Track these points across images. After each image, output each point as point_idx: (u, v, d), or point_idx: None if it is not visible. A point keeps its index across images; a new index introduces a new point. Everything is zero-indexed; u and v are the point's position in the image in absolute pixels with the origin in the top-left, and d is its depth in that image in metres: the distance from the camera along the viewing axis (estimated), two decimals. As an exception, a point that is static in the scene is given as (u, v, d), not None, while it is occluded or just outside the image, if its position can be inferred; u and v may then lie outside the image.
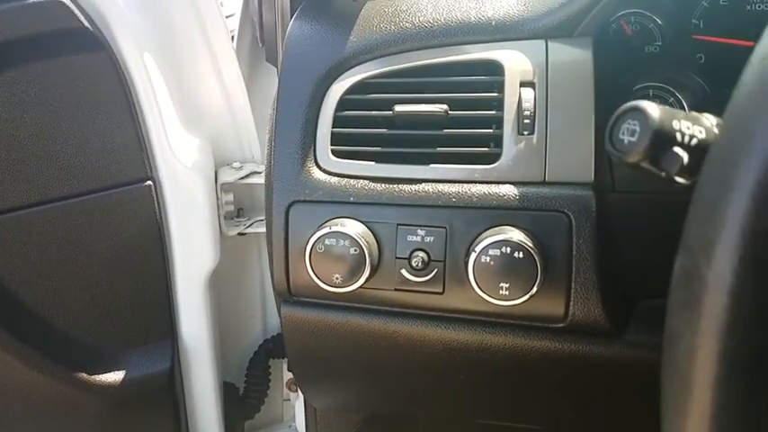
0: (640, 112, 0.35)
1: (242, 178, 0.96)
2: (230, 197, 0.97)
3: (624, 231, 0.56)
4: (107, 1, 0.78)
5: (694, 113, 0.38)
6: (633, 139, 0.35)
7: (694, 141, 0.35)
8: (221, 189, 0.95)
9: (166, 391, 0.92)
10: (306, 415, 1.03)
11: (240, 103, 0.97)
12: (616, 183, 0.57)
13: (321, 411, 0.96)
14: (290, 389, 1.12)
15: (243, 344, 1.10)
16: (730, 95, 0.63)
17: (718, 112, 0.59)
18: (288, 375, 1.11)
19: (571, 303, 0.54)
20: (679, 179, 0.35)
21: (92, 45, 0.78)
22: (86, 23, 0.77)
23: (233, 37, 1.05)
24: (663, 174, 0.35)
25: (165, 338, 0.91)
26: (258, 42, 1.04)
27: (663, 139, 0.34)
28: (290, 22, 0.66)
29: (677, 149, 0.34)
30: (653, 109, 0.35)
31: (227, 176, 0.96)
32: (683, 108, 0.60)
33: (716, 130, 0.36)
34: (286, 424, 1.16)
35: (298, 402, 1.07)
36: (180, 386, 0.94)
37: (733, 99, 0.29)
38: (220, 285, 1.00)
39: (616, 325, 0.55)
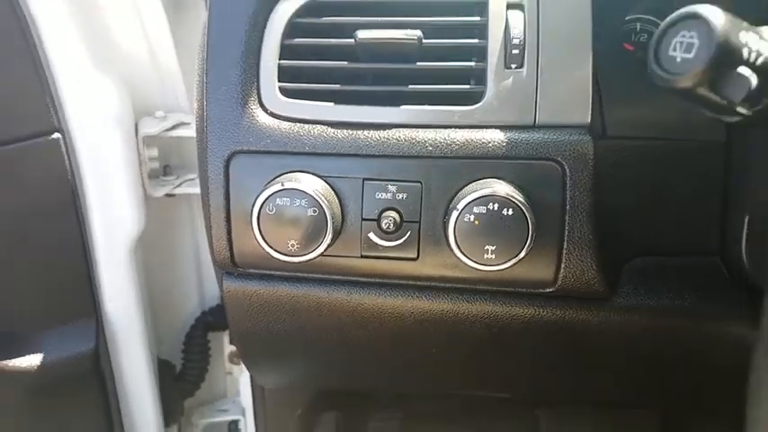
0: (701, 20, 0.27)
1: (167, 130, 0.87)
2: (154, 152, 0.88)
3: (616, 181, 0.50)
4: None
5: (751, 26, 0.30)
6: (689, 56, 0.27)
7: (760, 60, 0.27)
8: (143, 143, 0.85)
9: (92, 374, 0.85)
10: (252, 390, 0.96)
11: (162, 42, 0.86)
12: (607, 127, 0.50)
13: (269, 386, 0.89)
14: (232, 362, 1.05)
15: (178, 317, 1.02)
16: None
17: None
18: (229, 348, 1.04)
19: (562, 265, 0.48)
20: (741, 109, 0.28)
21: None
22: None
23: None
24: (723, 102, 0.28)
25: (87, 316, 0.83)
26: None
27: (728, 55, 0.26)
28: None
29: (743, 70, 0.27)
30: (716, 16, 0.27)
31: (150, 128, 0.85)
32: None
33: None
34: (230, 399, 1.09)
35: (242, 377, 1.00)
36: (108, 367, 0.87)
37: None
38: (148, 253, 0.92)
39: (609, 287, 0.49)
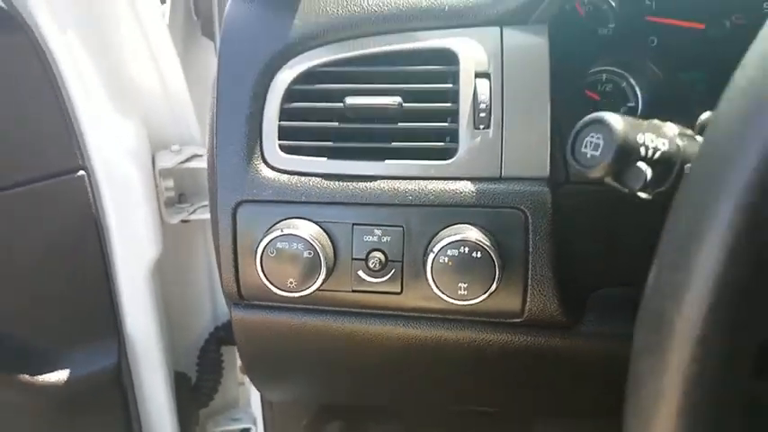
0: (604, 125, 0.33)
1: (182, 162, 0.93)
2: (170, 183, 0.94)
3: (578, 222, 0.56)
4: (21, -23, 0.71)
5: (656, 122, 0.37)
6: (596, 153, 0.34)
7: (657, 155, 0.34)
8: (160, 175, 0.92)
9: (115, 387, 0.91)
10: (262, 401, 1.02)
11: (175, 82, 0.93)
12: (570, 174, 0.57)
13: (277, 398, 0.95)
14: (244, 373, 1.11)
15: (193, 332, 1.08)
16: (682, 80, 0.63)
17: (671, 102, 0.60)
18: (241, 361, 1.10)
19: (528, 299, 0.54)
20: (642, 194, 0.34)
21: (8, 26, 0.72)
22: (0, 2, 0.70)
23: (165, 7, 0.99)
24: (626, 190, 0.34)
25: (110, 333, 0.89)
26: (193, 15, 0.99)
27: (627, 153, 0.33)
28: (228, 1, 0.61)
29: (641, 165, 0.33)
30: (617, 121, 0.34)
31: (166, 161, 0.92)
32: (635, 92, 0.60)
33: (678, 141, 0.35)
34: (242, 409, 1.15)
35: (253, 388, 1.06)
36: (129, 380, 0.93)
37: (704, 144, 0.27)
38: (166, 274, 0.98)
39: (571, 318, 0.55)
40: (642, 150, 0.34)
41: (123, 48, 0.88)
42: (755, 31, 0.54)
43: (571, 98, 0.58)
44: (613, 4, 0.61)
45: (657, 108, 0.59)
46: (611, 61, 0.61)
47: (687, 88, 0.61)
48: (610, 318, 0.57)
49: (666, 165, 0.34)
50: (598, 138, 0.34)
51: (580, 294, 0.58)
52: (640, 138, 0.34)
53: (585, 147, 0.35)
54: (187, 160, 0.94)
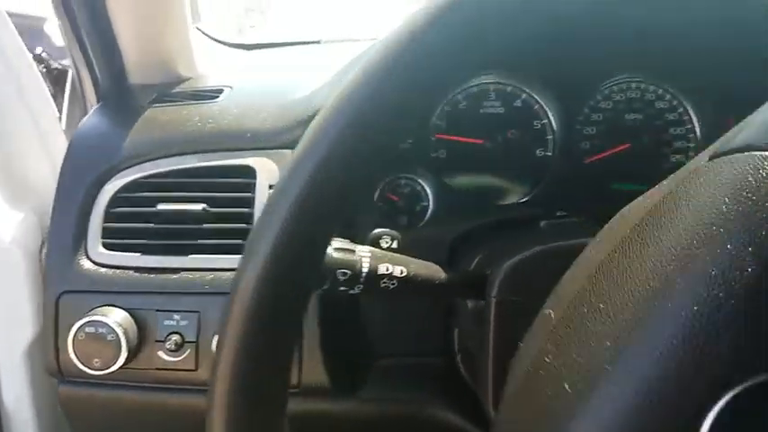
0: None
1: None
2: None
3: (367, 306, 0.67)
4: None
5: (399, 256, 0.49)
6: None
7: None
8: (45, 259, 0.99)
9: None
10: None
11: None
12: None
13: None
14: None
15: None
16: (461, 185, 0.74)
17: (456, 205, 0.71)
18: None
19: (302, 372, 0.64)
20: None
21: None
22: None
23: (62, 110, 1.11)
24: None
25: None
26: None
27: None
28: (83, 121, 0.74)
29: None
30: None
31: None
32: (426, 194, 0.72)
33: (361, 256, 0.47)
34: None
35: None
36: None
37: None
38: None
39: (344, 387, 0.65)
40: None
41: (21, 151, 0.98)
42: (525, 141, 0.67)
43: (375, 200, 0.70)
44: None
45: (445, 207, 0.72)
46: (408, 170, 0.73)
47: (471, 191, 0.73)
48: (383, 385, 0.67)
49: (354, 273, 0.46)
50: None
51: (364, 364, 0.68)
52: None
53: None
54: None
